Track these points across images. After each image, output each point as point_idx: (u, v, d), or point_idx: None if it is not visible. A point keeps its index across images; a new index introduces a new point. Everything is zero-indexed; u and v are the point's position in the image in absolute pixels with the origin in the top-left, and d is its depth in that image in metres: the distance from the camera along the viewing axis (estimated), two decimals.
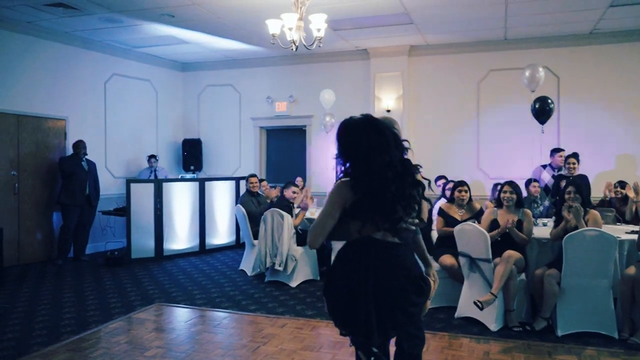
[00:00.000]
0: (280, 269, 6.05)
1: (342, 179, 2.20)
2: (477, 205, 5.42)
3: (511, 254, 4.54)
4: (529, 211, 4.92)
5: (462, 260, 4.82)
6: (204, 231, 8.38)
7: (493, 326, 4.47)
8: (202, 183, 8.44)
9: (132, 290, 5.99)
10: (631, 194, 6.00)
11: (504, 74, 8.27)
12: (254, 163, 10.00)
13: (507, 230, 4.70)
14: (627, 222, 5.85)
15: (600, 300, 4.33)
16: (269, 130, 10.24)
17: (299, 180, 8.27)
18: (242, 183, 8.98)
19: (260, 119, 9.99)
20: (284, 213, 6.15)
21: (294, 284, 6.11)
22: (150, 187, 7.80)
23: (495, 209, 5.02)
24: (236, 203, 8.65)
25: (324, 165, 9.11)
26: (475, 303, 4.37)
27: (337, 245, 6.14)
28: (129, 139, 9.21)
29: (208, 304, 5.41)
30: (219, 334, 4.50)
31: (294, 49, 5.27)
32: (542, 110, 6.32)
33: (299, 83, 9.62)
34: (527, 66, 6.50)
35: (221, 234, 8.66)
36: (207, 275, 6.74)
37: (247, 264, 6.85)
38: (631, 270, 4.36)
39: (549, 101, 6.39)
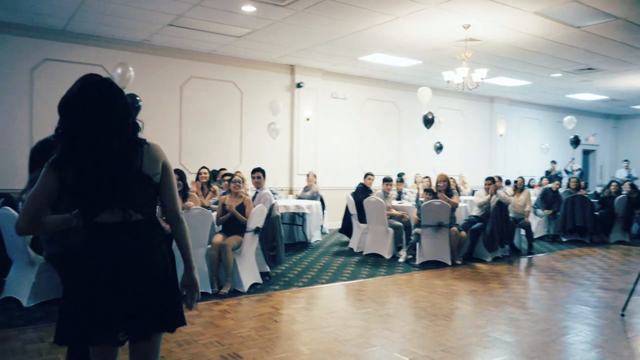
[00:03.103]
0: None
1: (52, 159, 1.91)
2: None
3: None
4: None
5: None
6: None
7: None
8: None
9: None
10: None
11: (61, 65, 8.11)
12: None
13: None
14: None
15: (198, 265, 5.33)
16: None
17: None
18: None
19: None
20: None
21: None
22: None
23: None
24: None
25: None
26: None
27: None
28: None
29: None
30: None
31: None
32: (132, 107, 6.77)
33: None
34: (118, 64, 6.76)
35: None
36: None
37: None
38: (217, 238, 5.60)
39: (138, 98, 6.92)
